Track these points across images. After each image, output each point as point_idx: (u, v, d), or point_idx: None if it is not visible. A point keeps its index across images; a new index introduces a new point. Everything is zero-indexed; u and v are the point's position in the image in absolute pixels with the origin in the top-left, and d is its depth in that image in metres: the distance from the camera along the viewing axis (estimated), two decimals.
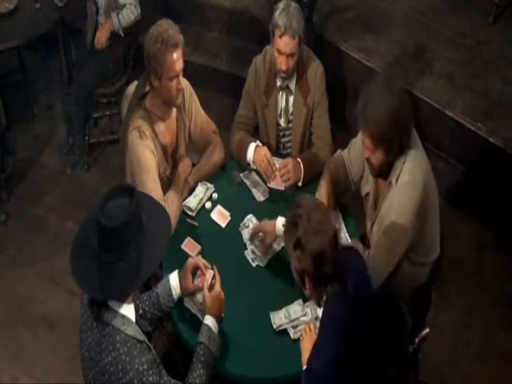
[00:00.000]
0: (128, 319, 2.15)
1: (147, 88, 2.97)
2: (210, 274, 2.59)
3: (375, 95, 2.55)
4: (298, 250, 2.24)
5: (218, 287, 2.52)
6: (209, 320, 2.48)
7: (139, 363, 2.09)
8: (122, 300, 2.16)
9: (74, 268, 2.14)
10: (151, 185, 2.87)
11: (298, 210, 2.26)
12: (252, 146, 3.17)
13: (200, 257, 2.71)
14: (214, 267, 2.59)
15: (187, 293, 2.62)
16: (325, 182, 2.96)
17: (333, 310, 2.28)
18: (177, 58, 2.83)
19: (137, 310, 2.27)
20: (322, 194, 2.91)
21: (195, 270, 2.63)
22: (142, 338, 2.16)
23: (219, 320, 2.51)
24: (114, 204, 2.06)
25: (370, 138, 2.57)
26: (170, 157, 3.07)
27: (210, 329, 2.45)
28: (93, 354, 2.15)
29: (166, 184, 3.03)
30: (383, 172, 2.70)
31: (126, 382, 2.08)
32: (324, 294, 2.31)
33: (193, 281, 2.61)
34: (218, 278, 2.55)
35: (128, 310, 2.17)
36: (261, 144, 3.21)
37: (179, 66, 2.86)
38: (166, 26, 2.84)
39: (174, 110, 3.06)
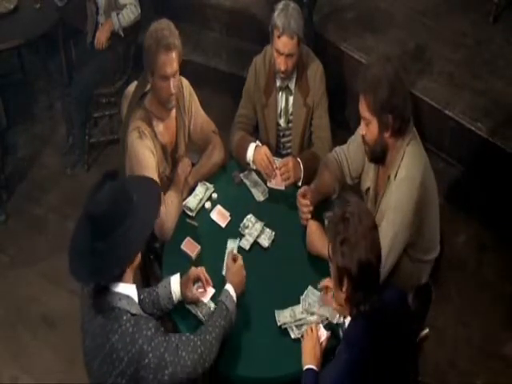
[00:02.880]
0: (132, 299, 2.18)
1: (147, 88, 2.97)
2: (210, 291, 2.66)
3: (375, 64, 2.73)
4: (344, 246, 2.12)
5: (240, 261, 2.63)
6: (228, 286, 2.55)
7: (146, 329, 2.12)
8: (121, 279, 2.17)
9: (70, 263, 2.16)
10: None
11: (349, 206, 2.19)
12: (252, 146, 3.17)
13: (203, 268, 2.70)
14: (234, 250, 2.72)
15: (186, 300, 2.63)
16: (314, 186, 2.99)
17: (358, 331, 2.22)
18: (168, 60, 2.80)
19: (138, 294, 2.28)
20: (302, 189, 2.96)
21: (196, 280, 2.65)
22: (145, 315, 2.20)
23: (238, 292, 2.57)
24: (101, 192, 2.11)
25: (367, 103, 2.59)
26: (169, 156, 3.07)
27: (227, 291, 2.52)
28: (99, 339, 2.15)
29: (166, 184, 3.03)
30: (378, 155, 2.71)
31: (136, 351, 2.10)
32: (355, 307, 2.22)
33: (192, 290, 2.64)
34: (239, 256, 2.66)
35: (130, 290, 2.19)
36: (260, 144, 3.21)
37: (171, 69, 2.82)
38: (164, 26, 2.83)
39: (174, 110, 3.06)
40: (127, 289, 2.18)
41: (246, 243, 2.90)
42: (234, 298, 2.52)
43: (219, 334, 2.37)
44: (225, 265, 2.74)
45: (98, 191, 2.11)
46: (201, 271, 2.65)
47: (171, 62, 2.82)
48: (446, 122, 3.93)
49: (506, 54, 4.17)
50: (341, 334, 2.46)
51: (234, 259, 2.65)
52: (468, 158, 3.96)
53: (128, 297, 2.16)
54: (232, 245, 2.89)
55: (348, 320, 2.32)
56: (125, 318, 2.12)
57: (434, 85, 4.04)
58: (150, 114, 2.95)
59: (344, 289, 2.19)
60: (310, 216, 2.89)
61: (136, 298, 2.21)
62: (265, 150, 3.14)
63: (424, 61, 4.18)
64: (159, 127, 2.99)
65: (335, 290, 2.27)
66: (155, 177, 2.90)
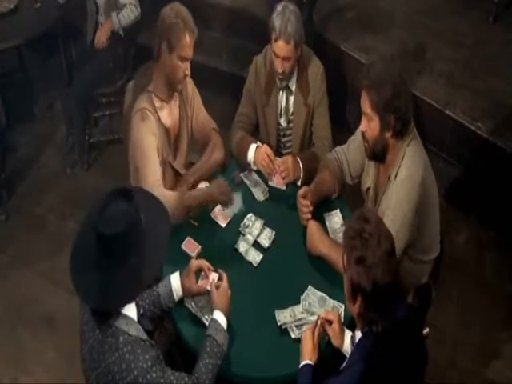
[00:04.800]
0: (130, 319, 2.14)
1: (152, 77, 2.97)
2: (213, 276, 2.61)
3: (379, 62, 2.70)
4: (360, 266, 2.09)
5: (225, 283, 2.55)
6: (217, 314, 2.48)
7: (143, 361, 2.08)
8: None
9: (74, 279, 2.11)
10: (150, 168, 2.88)
11: (368, 225, 2.12)
12: (253, 146, 3.17)
13: (203, 259, 2.70)
14: (220, 271, 2.62)
15: (190, 294, 2.61)
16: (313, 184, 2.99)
17: (369, 347, 2.18)
18: (191, 44, 2.90)
19: (138, 310, 2.27)
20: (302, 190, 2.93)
21: (198, 271, 2.63)
22: (145, 337, 2.15)
23: (227, 315, 2.50)
24: (112, 210, 2.01)
25: (370, 99, 2.58)
26: (172, 143, 3.07)
27: (216, 321, 2.45)
28: (95, 354, 2.14)
29: (170, 171, 3.05)
30: (377, 153, 2.71)
31: (131, 380, 2.07)
32: (367, 325, 2.19)
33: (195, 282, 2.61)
34: (224, 275, 2.58)
35: (130, 310, 2.16)
36: (261, 144, 3.21)
37: (191, 51, 2.91)
38: (185, 10, 2.94)
39: (178, 97, 3.07)
40: (127, 308, 2.15)
41: (245, 244, 2.90)
42: (225, 326, 2.46)
43: (214, 376, 2.34)
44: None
45: (109, 205, 2.02)
46: (201, 261, 2.64)
47: (192, 45, 2.91)
48: (446, 121, 3.93)
49: (506, 54, 4.17)
50: (350, 346, 2.44)
51: (217, 286, 2.55)
52: (468, 157, 3.97)
53: (126, 316, 2.13)
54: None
55: (358, 332, 2.29)
56: (122, 339, 2.09)
57: (434, 85, 4.04)
58: (154, 96, 2.96)
59: (357, 304, 2.16)
60: (310, 216, 2.89)
61: (135, 317, 2.18)
62: (265, 148, 3.14)
63: (424, 61, 4.18)
64: (163, 110, 3.00)
65: (348, 303, 2.25)
66: (157, 163, 2.91)
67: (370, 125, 2.64)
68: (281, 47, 3.08)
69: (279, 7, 3.11)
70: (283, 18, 3.05)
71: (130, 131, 2.94)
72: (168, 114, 3.03)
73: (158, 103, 2.97)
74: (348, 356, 2.35)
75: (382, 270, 2.08)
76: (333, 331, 2.48)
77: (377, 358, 2.16)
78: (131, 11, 4.11)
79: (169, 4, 2.96)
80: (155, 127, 2.92)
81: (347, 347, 2.45)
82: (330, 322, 2.50)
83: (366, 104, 2.61)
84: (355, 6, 4.53)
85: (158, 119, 2.96)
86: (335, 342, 2.48)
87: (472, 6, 4.46)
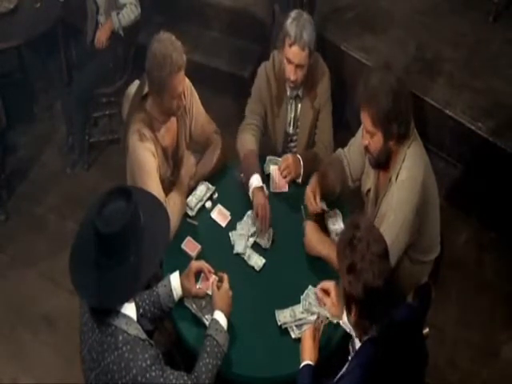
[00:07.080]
0: (130, 318, 2.15)
1: (146, 90, 2.96)
2: (213, 279, 2.61)
3: (374, 74, 2.61)
4: (351, 274, 2.07)
5: (226, 284, 2.55)
6: (217, 314, 2.48)
7: (142, 360, 2.08)
8: None
9: (73, 277, 2.12)
10: (153, 187, 2.85)
11: (357, 231, 2.11)
12: (256, 179, 2.99)
13: (203, 260, 2.70)
14: (220, 273, 2.62)
15: (189, 295, 2.61)
16: (314, 177, 2.97)
17: (368, 355, 2.16)
18: (181, 79, 2.82)
19: (138, 309, 2.27)
20: (311, 185, 2.92)
21: (198, 272, 2.63)
22: (144, 336, 2.16)
23: (227, 316, 2.50)
24: (111, 208, 2.02)
25: (371, 116, 2.56)
26: (170, 158, 3.07)
27: (217, 322, 2.45)
28: (94, 354, 2.14)
29: (168, 185, 3.03)
30: (381, 162, 2.70)
31: (130, 379, 2.07)
32: (366, 333, 2.18)
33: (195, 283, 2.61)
34: (225, 276, 2.58)
35: (129, 309, 2.16)
36: (261, 183, 2.99)
37: (182, 86, 2.85)
38: (171, 49, 2.75)
39: None
40: (126, 308, 2.15)
41: (248, 249, 2.90)
42: (225, 326, 2.46)
43: (213, 376, 2.34)
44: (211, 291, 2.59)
45: (106, 205, 2.03)
46: (202, 263, 2.64)
47: (183, 79, 2.84)
48: (446, 121, 3.93)
49: (506, 54, 4.17)
50: (351, 350, 2.43)
51: (219, 286, 2.55)
52: (468, 157, 3.96)
53: (126, 316, 2.14)
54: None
55: (357, 340, 2.28)
56: (121, 338, 2.09)
57: (434, 85, 4.04)
58: (152, 117, 2.94)
59: (352, 314, 2.16)
60: (316, 207, 2.88)
61: (135, 317, 2.18)
62: (265, 202, 2.96)
63: (424, 61, 4.18)
64: (160, 130, 2.98)
65: (346, 313, 2.24)
66: (157, 180, 2.91)
67: (373, 139, 2.62)
68: (295, 53, 3.04)
69: (293, 14, 3.08)
70: (298, 25, 3.02)
71: (129, 152, 2.92)
72: (166, 132, 3.01)
73: (155, 124, 2.96)
74: (348, 356, 2.35)
75: (373, 273, 2.05)
76: (330, 301, 2.48)
77: (377, 359, 2.15)
78: (131, 11, 4.10)
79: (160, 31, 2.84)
80: (153, 148, 2.91)
81: (346, 320, 2.42)
82: (328, 293, 2.49)
83: (367, 121, 2.59)
84: (355, 6, 4.52)
85: (156, 140, 2.94)
86: (334, 312, 2.48)
87: (472, 5, 4.45)
